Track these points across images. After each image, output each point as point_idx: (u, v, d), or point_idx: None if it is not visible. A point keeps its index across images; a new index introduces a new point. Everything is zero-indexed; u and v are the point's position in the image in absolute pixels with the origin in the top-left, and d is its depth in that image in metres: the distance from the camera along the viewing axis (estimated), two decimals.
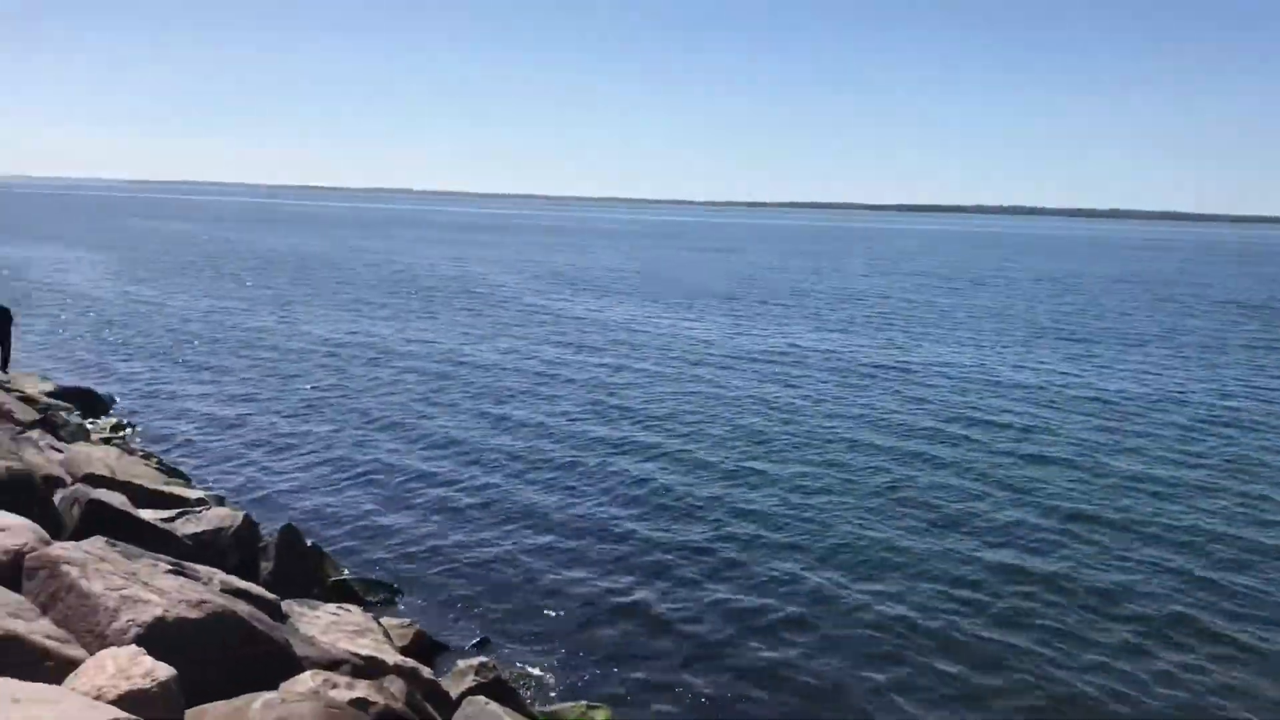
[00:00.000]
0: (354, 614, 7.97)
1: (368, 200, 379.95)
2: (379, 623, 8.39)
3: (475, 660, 8.10)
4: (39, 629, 4.21)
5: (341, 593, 9.65)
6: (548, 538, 12.12)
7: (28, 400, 15.55)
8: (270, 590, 7.45)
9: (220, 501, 10.94)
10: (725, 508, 13.39)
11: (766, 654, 9.31)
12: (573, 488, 14.12)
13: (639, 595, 10.52)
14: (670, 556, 11.63)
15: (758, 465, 15.49)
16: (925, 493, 14.20)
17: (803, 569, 11.34)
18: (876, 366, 25.34)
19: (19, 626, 4.11)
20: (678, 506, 13.40)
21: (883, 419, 18.95)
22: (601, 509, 13.22)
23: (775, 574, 11.18)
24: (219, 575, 6.53)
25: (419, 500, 13.39)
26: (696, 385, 22.10)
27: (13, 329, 20.11)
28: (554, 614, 9.99)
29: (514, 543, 11.91)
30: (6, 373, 18.62)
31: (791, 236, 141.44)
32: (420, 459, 15.38)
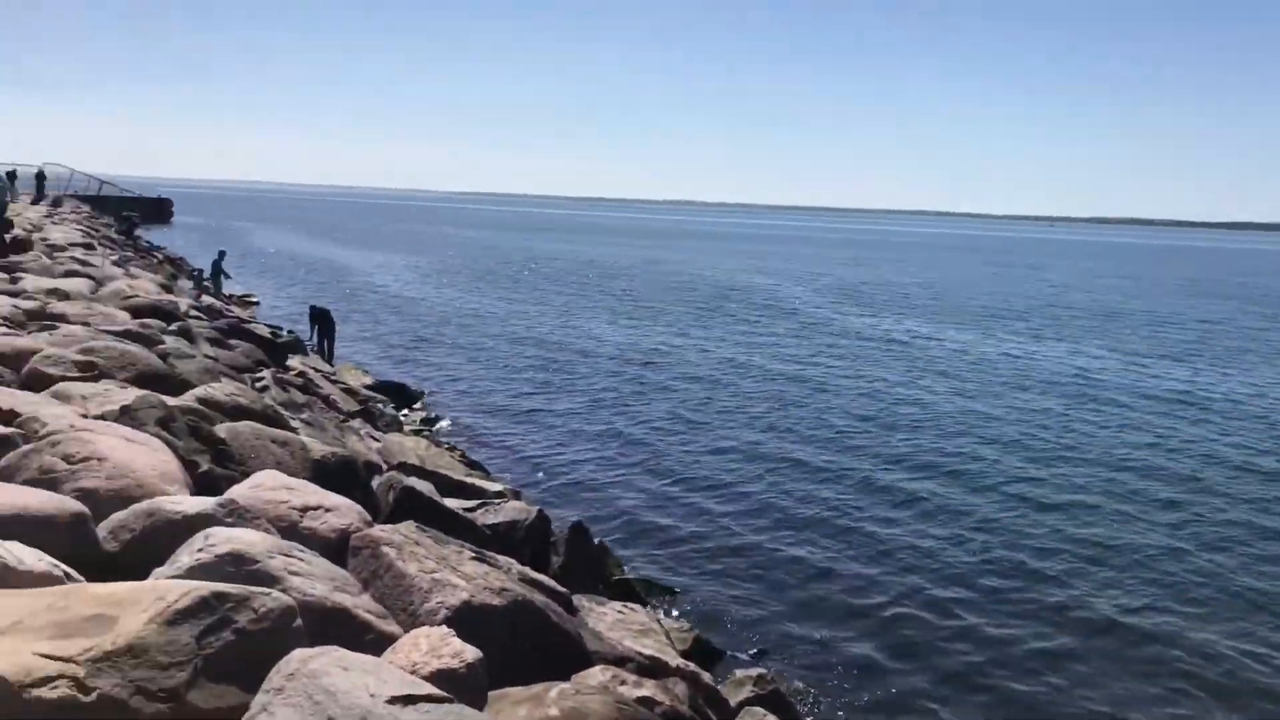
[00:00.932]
0: (638, 613, 8.15)
1: (667, 211, 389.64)
2: (660, 624, 8.54)
3: (754, 671, 8.09)
4: (362, 604, 4.56)
5: (625, 591, 9.89)
6: (829, 550, 11.96)
7: (350, 392, 16.97)
8: (559, 584, 7.75)
9: (516, 495, 11.48)
10: (1017, 531, 12.76)
11: (1059, 691, 8.78)
12: (855, 502, 13.87)
13: (921, 616, 10.19)
14: (963, 575, 11.21)
15: (1049, 489, 14.67)
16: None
17: (1092, 600, 10.62)
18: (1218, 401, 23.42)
19: (346, 600, 4.46)
20: (967, 526, 12.90)
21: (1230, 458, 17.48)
22: (884, 525, 12.90)
23: (1061, 603, 10.55)
24: (516, 566, 6.82)
25: (700, 504, 13.56)
26: (992, 406, 21.20)
27: (335, 326, 22.28)
28: (833, 629, 9.83)
29: (794, 553, 11.82)
30: (332, 366, 20.41)
31: (1101, 253, 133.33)
32: (702, 464, 15.58)
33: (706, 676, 7.51)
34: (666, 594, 10.44)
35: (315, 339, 22.61)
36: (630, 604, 8.56)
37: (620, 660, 5.79)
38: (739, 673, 8.21)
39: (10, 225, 22.41)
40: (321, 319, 22.78)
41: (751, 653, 9.24)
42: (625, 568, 10.87)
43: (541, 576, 6.89)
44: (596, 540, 10.68)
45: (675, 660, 7.11)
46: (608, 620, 7.50)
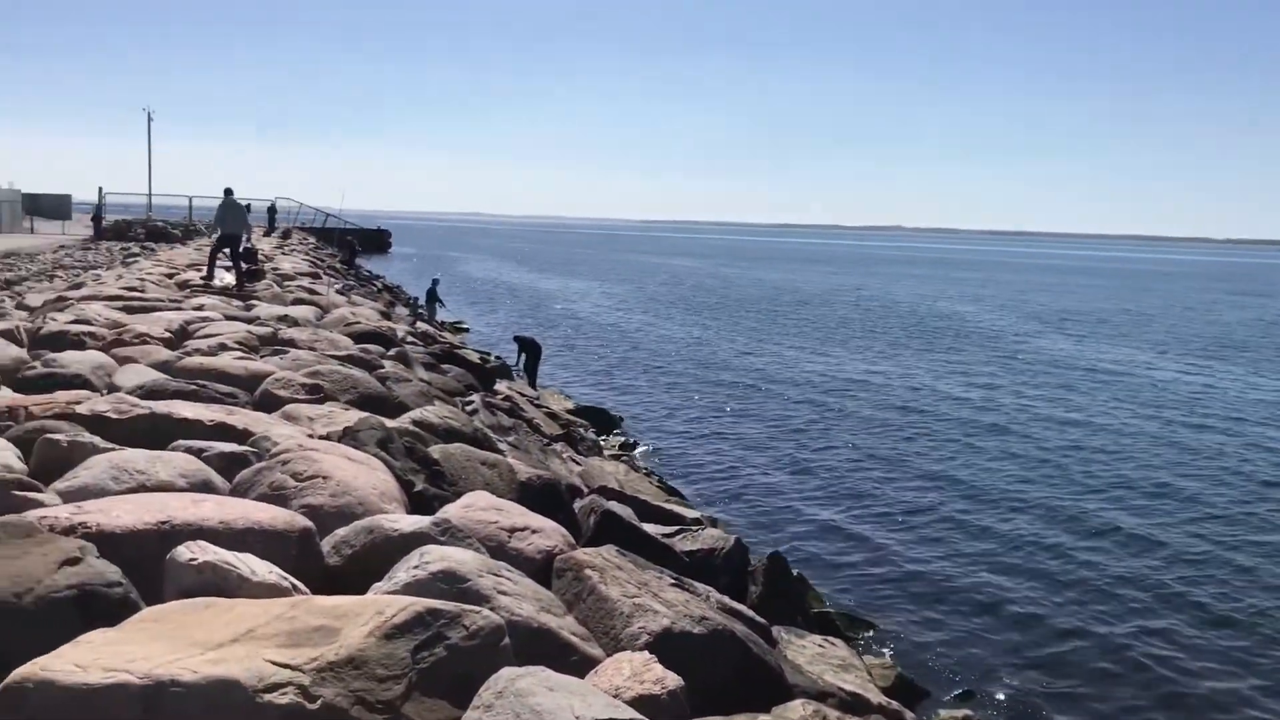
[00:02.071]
0: (838, 648, 7.99)
1: (863, 237, 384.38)
2: (862, 659, 8.34)
3: (959, 712, 7.80)
4: (567, 625, 4.64)
5: (824, 624, 9.71)
6: (1037, 588, 11.44)
7: (552, 416, 17.40)
8: (758, 614, 7.68)
9: (713, 522, 11.47)
10: (1246, 574, 11.87)
11: None
12: (1066, 539, 13.23)
13: (1139, 662, 9.60)
14: (1183, 619, 10.51)
15: None
16: None
17: None
18: None
19: (551, 621, 4.55)
20: (1184, 566, 12.09)
21: None
22: (1099, 564, 12.24)
23: None
24: (714, 594, 6.81)
25: (901, 537, 13.22)
26: (1212, 440, 19.86)
27: (540, 353, 23.08)
28: (1041, 672, 9.37)
29: (999, 590, 11.36)
30: (535, 391, 21.01)
31: None
32: (902, 495, 15.20)
33: (909, 716, 7.28)
34: (867, 629, 10.20)
35: (520, 365, 23.35)
36: (830, 638, 8.40)
37: (821, 695, 5.68)
38: (943, 713, 7.93)
39: (255, 254, 24.14)
40: (527, 346, 23.53)
41: (956, 694, 8.91)
42: (824, 600, 10.70)
43: (740, 606, 6.85)
44: (795, 571, 10.56)
45: (878, 698, 6.93)
46: (807, 653, 7.38)
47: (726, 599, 7.01)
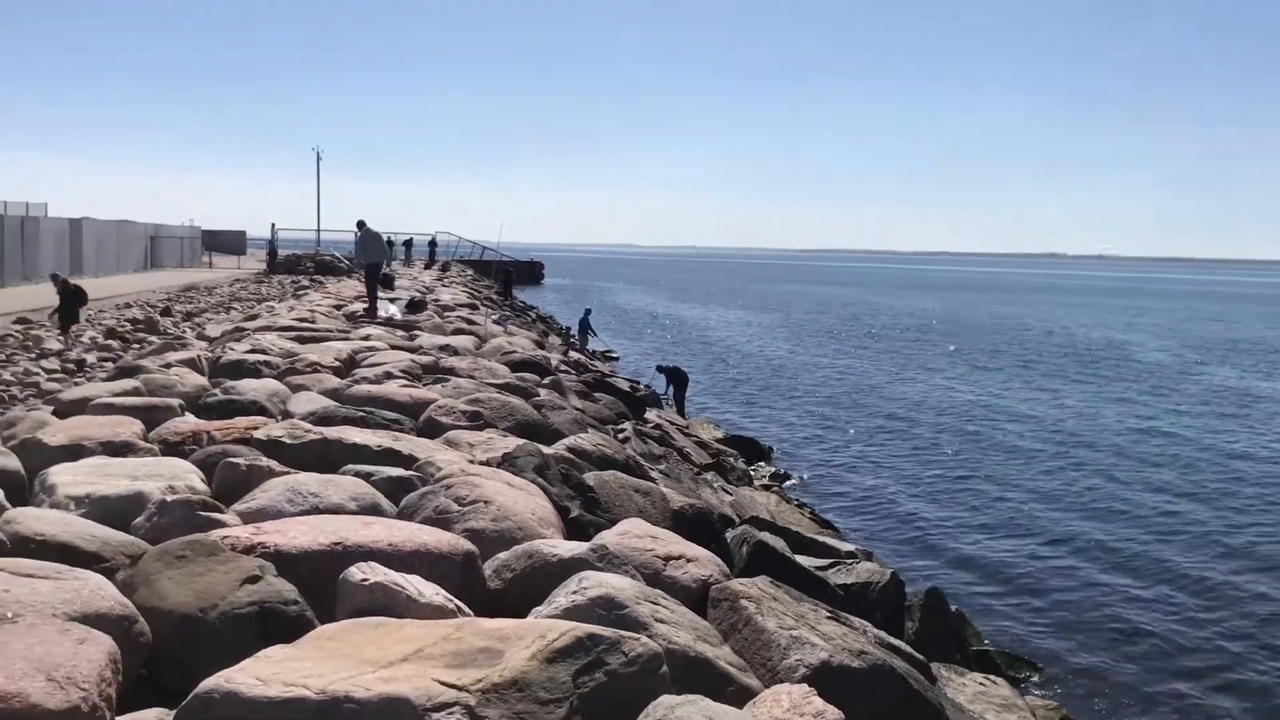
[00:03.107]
0: (1000, 687, 7.73)
1: (1021, 265, 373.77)
2: (1024, 700, 8.04)
3: None
4: (724, 655, 4.62)
5: (984, 663, 9.41)
6: (1221, 636, 10.82)
7: (702, 445, 17.40)
8: (915, 650, 7.49)
9: (868, 556, 11.27)
10: None
11: None
12: (1244, 577, 12.48)
13: None
14: None
15: None
16: None
17: None
18: None
19: (708, 651, 4.54)
20: None
21: None
22: None
23: None
24: (870, 628, 6.68)
25: (1064, 573, 12.72)
26: None
27: (687, 382, 23.23)
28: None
29: (1179, 636, 10.79)
30: (685, 419, 21.06)
31: None
32: (1066, 530, 14.63)
33: None
34: (1030, 669, 9.83)
35: (669, 394, 23.46)
36: (991, 676, 8.13)
37: None
38: None
39: (392, 280, 24.98)
40: (673, 376, 23.66)
41: None
42: (984, 638, 10.37)
43: (898, 641, 6.70)
44: (953, 607, 10.27)
45: None
46: (968, 692, 7.17)
47: (884, 634, 6.87)
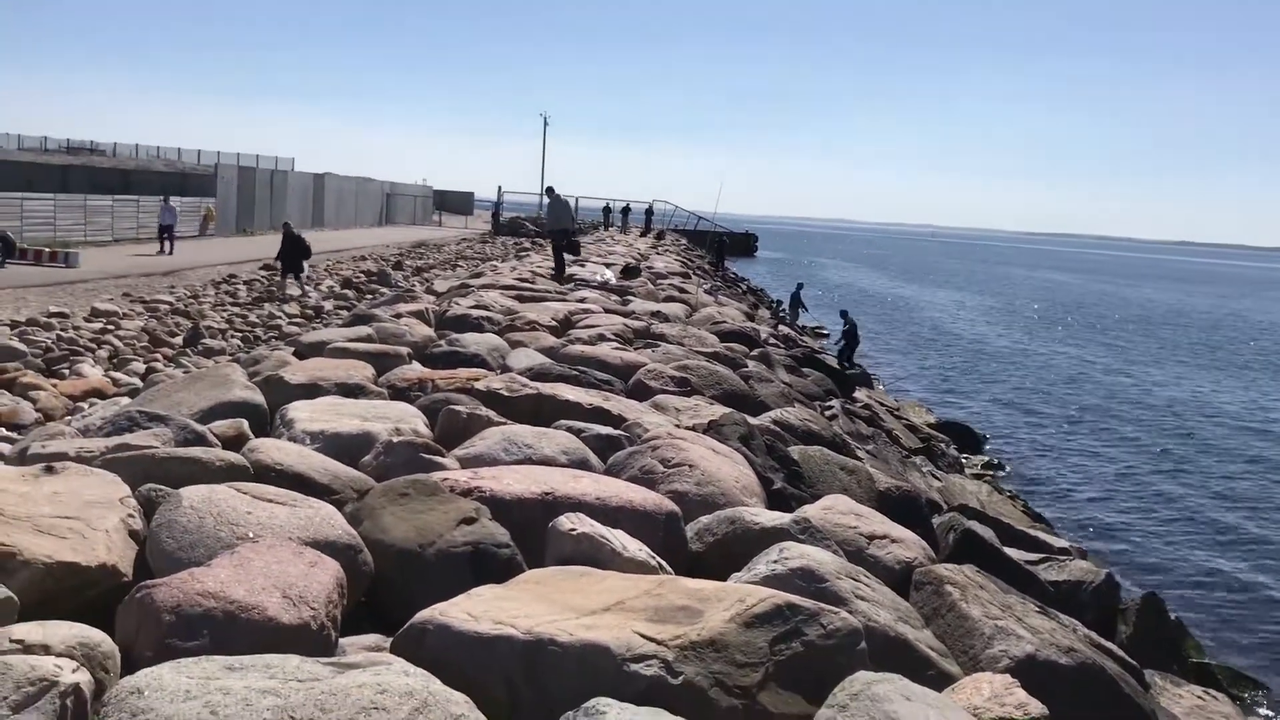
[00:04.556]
0: (1221, 703, 7.27)
1: (1270, 258, 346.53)
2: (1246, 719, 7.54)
3: None
4: (924, 639, 4.53)
5: (1203, 676, 8.86)
6: None
7: (912, 429, 17.02)
8: (1128, 656, 7.13)
9: (1082, 554, 10.77)
10: None
11: None
12: None
13: None
14: None
15: None
16: None
17: None
18: None
19: (909, 632, 4.46)
20: None
21: None
22: None
23: None
24: (1080, 627, 6.40)
25: None
26: None
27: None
28: None
29: None
30: (896, 402, 20.62)
31: None
32: None
33: None
34: (1256, 688, 9.18)
35: (840, 343, 24.31)
36: (1212, 690, 7.65)
37: None
38: None
39: (578, 246, 25.33)
40: (850, 334, 24.10)
41: None
42: (1204, 651, 9.75)
43: (1110, 644, 6.39)
44: (1173, 616, 9.70)
45: None
46: (1184, 704, 6.77)
47: (1094, 635, 6.57)
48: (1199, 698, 7.16)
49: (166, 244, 30.46)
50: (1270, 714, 8.72)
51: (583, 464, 6.29)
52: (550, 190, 23.80)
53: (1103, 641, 6.42)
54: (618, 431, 7.27)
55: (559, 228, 23.14)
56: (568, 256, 22.79)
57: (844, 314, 25.36)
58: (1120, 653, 6.56)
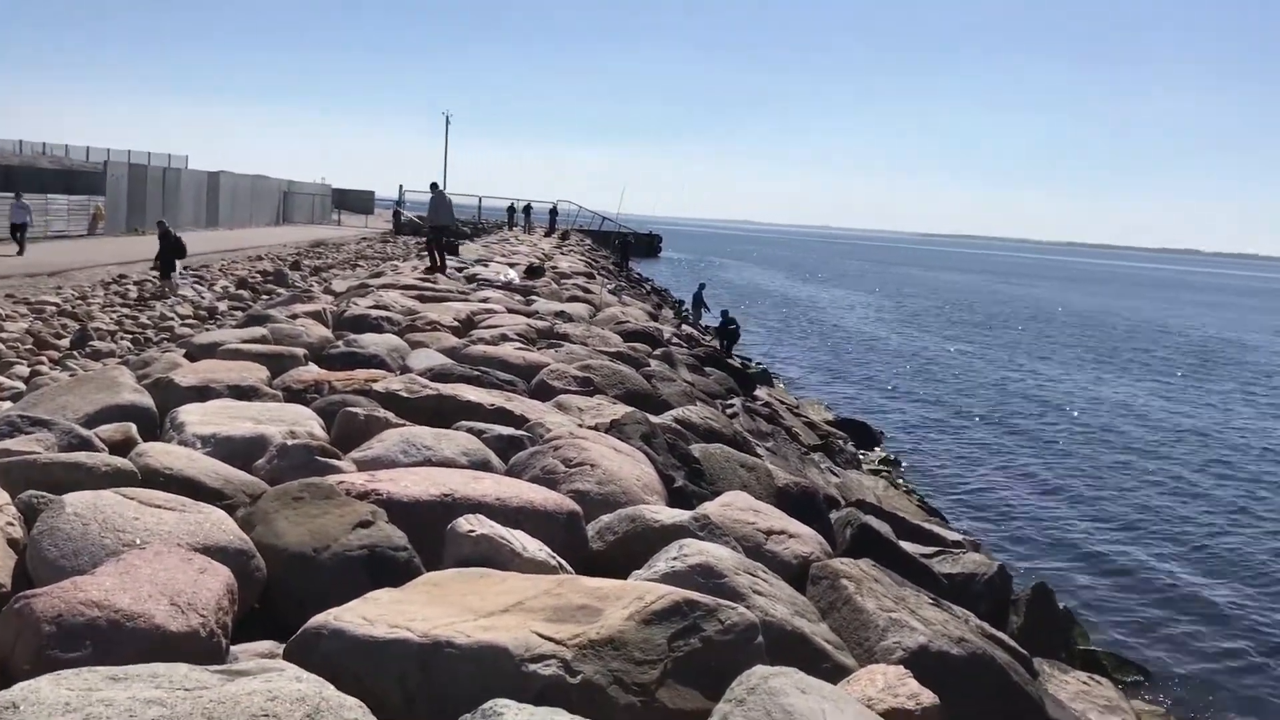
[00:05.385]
0: (1104, 688, 7.54)
1: (1156, 260, 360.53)
2: (1129, 704, 7.83)
3: None
4: (820, 632, 4.60)
5: (1089, 663, 9.18)
6: None
7: (811, 426, 17.29)
8: (1019, 645, 7.34)
9: (975, 547, 11.06)
10: None
11: None
12: None
13: None
14: None
15: None
16: None
17: None
18: None
19: (805, 626, 4.53)
20: None
21: None
22: None
23: None
24: (973, 618, 6.57)
25: (1182, 579, 12.29)
26: None
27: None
28: None
29: None
30: (796, 400, 20.91)
31: None
32: (1185, 532, 14.12)
33: None
34: (1137, 672, 9.54)
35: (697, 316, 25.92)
36: (1096, 676, 7.93)
37: None
38: None
39: (455, 248, 25.32)
40: (725, 326, 25.36)
41: None
42: (1090, 638, 10.10)
43: (1001, 634, 6.58)
44: (1061, 605, 10.02)
45: None
46: (1069, 690, 7.01)
47: (986, 625, 6.75)
48: (1084, 683, 7.41)
49: (17, 244, 28.88)
50: (1149, 695, 9.06)
51: (484, 465, 6.25)
52: (434, 186, 23.67)
53: (994, 631, 6.60)
54: (520, 432, 7.24)
55: (439, 224, 23.00)
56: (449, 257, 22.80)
57: (724, 313, 26.74)
58: (1011, 642, 6.75)
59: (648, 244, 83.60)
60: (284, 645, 3.80)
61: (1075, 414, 23.82)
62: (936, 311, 54.64)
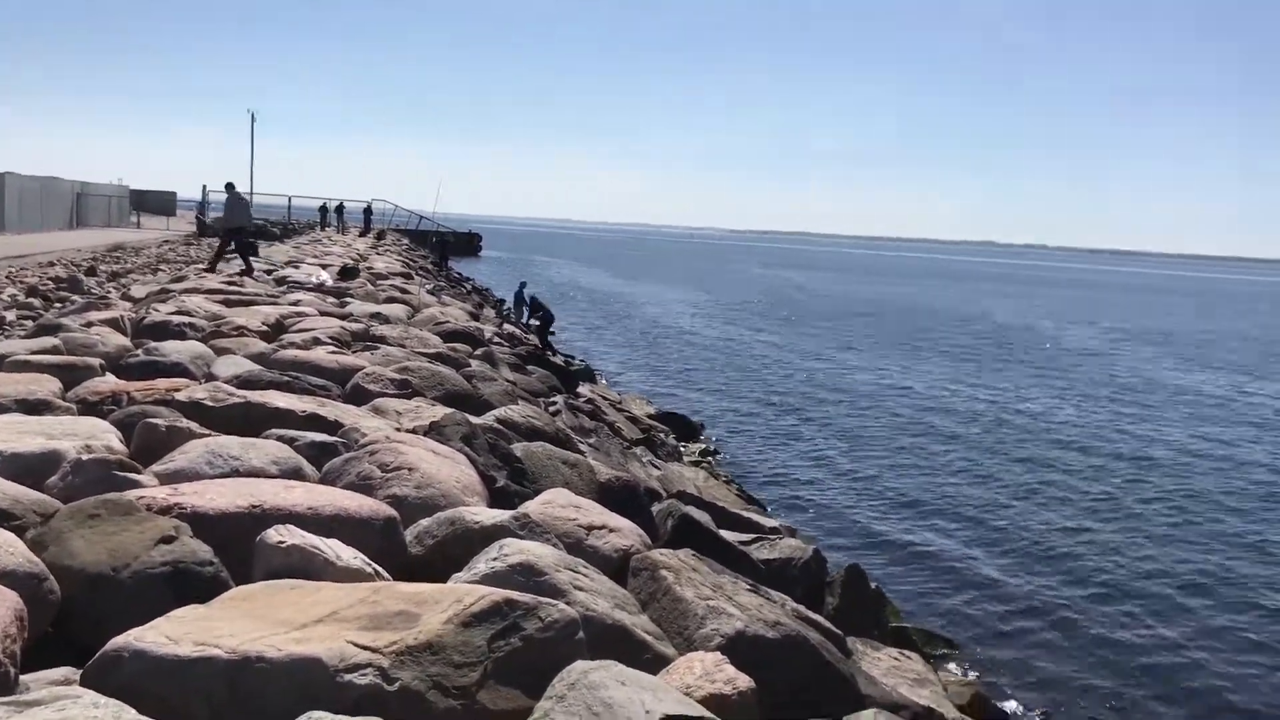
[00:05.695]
0: (914, 662, 7.90)
1: (959, 252, 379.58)
2: (938, 675, 8.23)
3: None
4: (640, 623, 4.68)
5: (901, 639, 9.60)
6: (1139, 615, 11.16)
7: (633, 420, 17.48)
8: (834, 625, 7.62)
9: (792, 532, 11.42)
10: None
11: None
12: (1163, 561, 12.88)
13: (1240, 684, 9.32)
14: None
15: None
16: None
17: None
18: None
19: (626, 619, 4.59)
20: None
21: None
22: (1203, 590, 11.90)
23: None
24: (789, 602, 6.78)
25: (988, 555, 13.00)
26: None
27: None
28: (1135, 704, 9.14)
29: (1096, 616, 11.11)
30: (619, 395, 21.12)
31: None
32: (991, 514, 14.94)
33: None
34: (945, 645, 10.05)
35: (526, 319, 27.00)
36: (906, 651, 8.31)
37: (894, 707, 5.62)
38: None
39: (255, 249, 24.77)
40: (536, 309, 26.62)
41: (1036, 715, 8.75)
42: (902, 615, 10.57)
43: (816, 615, 6.81)
44: (873, 585, 10.46)
45: (952, 713, 6.84)
46: (882, 666, 7.32)
47: (802, 608, 6.98)
48: (895, 658, 7.75)
49: None
50: (958, 666, 9.56)
51: (295, 474, 6.07)
52: (230, 186, 22.86)
53: (809, 613, 6.83)
54: (334, 438, 7.07)
55: (234, 225, 22.24)
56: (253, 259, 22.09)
57: (532, 299, 28.03)
58: (826, 623, 7.00)
59: (468, 243, 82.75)
60: (81, 671, 3.60)
61: (884, 403, 24.84)
62: (749, 306, 56.07)
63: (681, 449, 17.15)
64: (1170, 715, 8.98)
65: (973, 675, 9.32)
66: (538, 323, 27.04)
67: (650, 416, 19.22)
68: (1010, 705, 8.87)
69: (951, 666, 9.50)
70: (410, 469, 6.10)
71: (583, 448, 10.30)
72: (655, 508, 8.87)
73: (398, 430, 7.49)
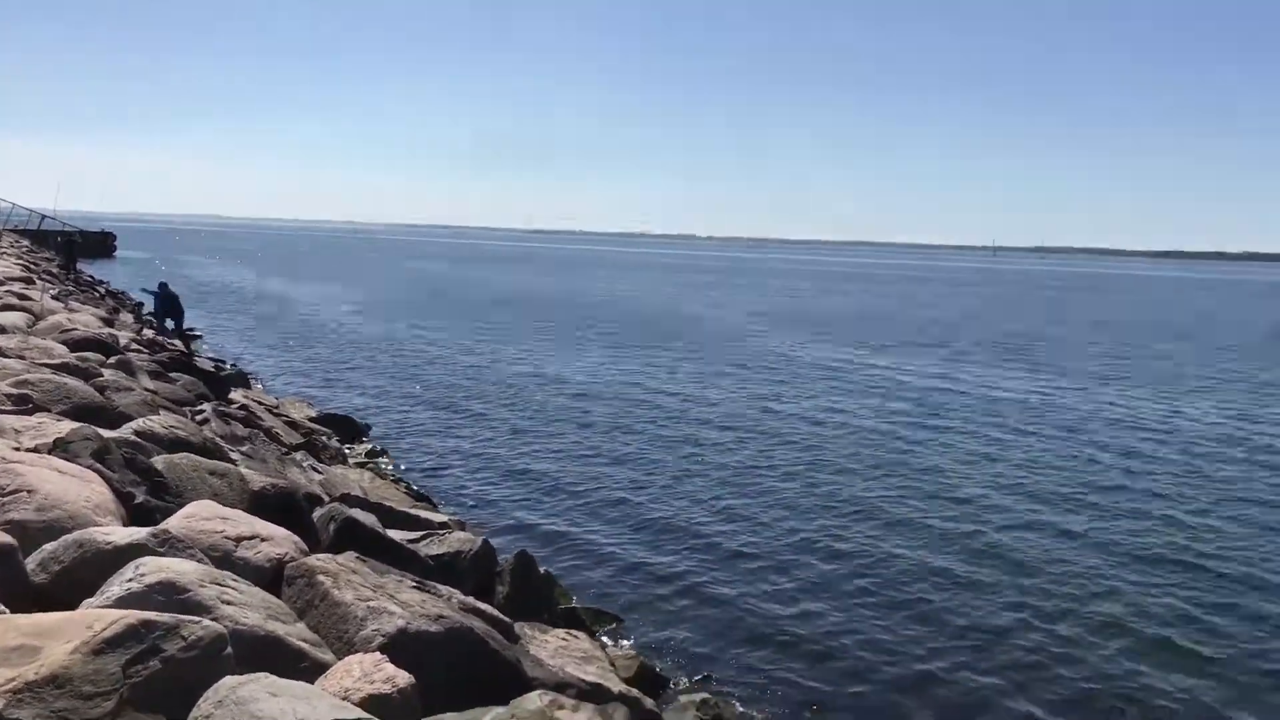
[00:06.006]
0: (581, 641, 8.15)
1: (618, 243, 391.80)
2: (605, 651, 8.53)
3: (698, 696, 8.11)
4: (296, 632, 4.54)
5: (570, 620, 9.87)
6: (780, 578, 12.02)
7: (293, 425, 16.82)
8: (504, 613, 7.72)
9: (461, 526, 11.43)
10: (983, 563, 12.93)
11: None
12: (802, 532, 13.96)
13: (866, 640, 10.28)
14: (915, 599, 11.33)
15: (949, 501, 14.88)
16: None
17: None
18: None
19: (279, 629, 4.44)
20: (924, 555, 13.04)
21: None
22: (830, 555, 13.01)
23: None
24: (457, 595, 6.81)
25: (649, 534, 13.57)
26: (1001, 447, 21.46)
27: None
28: (782, 655, 9.87)
29: (744, 581, 11.86)
30: (276, 399, 20.22)
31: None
32: (651, 495, 15.60)
33: (650, 702, 7.51)
34: (612, 622, 10.42)
35: (159, 316, 26.15)
36: (574, 631, 8.56)
37: (561, 686, 5.79)
38: (683, 698, 8.22)
39: None
40: (169, 303, 25.93)
41: (697, 679, 9.25)
42: (573, 597, 10.85)
43: (483, 605, 6.88)
44: (543, 570, 10.66)
45: (618, 686, 7.11)
46: (550, 648, 7.50)
47: (470, 599, 7.02)
48: (563, 639, 7.96)
49: None
50: (625, 641, 9.94)
51: None
52: None
53: (476, 604, 6.89)
54: None
55: None
56: None
57: (162, 285, 27.18)
58: (493, 611, 7.09)
59: (100, 243, 76.27)
60: None
61: (557, 393, 25.27)
62: (408, 301, 55.36)
63: (346, 451, 16.69)
64: (808, 659, 9.79)
65: (639, 648, 9.71)
66: (173, 324, 25.67)
67: (311, 420, 18.55)
68: (676, 671, 9.33)
69: (619, 642, 9.86)
70: (30, 491, 5.58)
71: (235, 456, 9.81)
72: (316, 513, 8.61)
73: (16, 450, 6.81)
